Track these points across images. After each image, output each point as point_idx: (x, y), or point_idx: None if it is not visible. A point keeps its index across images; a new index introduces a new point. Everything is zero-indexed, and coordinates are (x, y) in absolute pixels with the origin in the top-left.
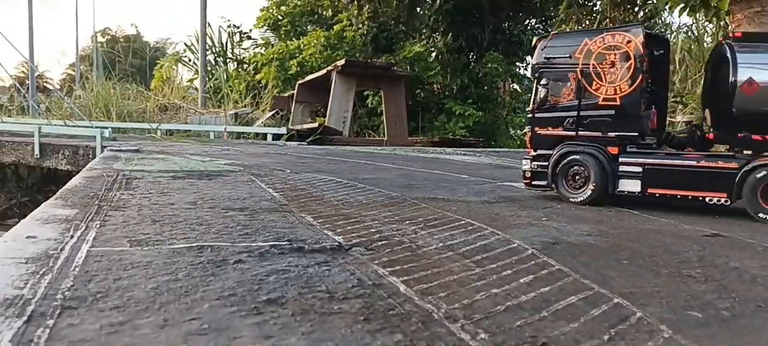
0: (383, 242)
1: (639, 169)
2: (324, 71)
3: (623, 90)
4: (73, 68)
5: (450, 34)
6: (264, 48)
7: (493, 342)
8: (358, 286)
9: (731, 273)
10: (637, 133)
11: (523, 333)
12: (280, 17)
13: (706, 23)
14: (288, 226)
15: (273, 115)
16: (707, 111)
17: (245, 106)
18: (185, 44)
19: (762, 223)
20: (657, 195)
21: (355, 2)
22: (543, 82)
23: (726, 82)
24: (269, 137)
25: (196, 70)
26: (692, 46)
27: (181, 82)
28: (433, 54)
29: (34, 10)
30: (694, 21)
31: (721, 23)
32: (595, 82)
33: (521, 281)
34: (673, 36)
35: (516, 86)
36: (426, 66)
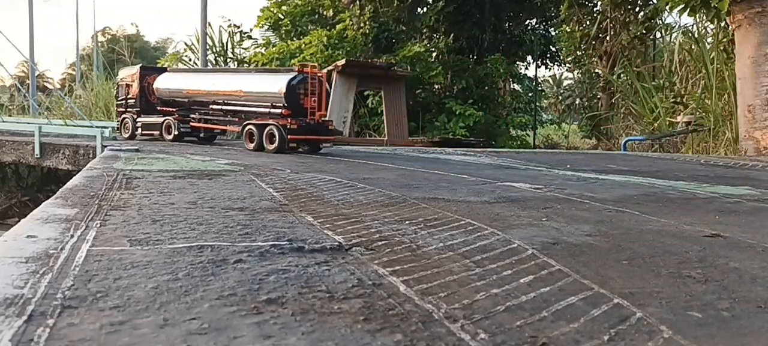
0: (383, 242)
1: (140, 123)
2: (324, 71)
3: (135, 93)
4: (73, 68)
5: (451, 34)
6: (265, 48)
7: (493, 342)
8: (358, 286)
9: (731, 274)
10: (139, 109)
11: (523, 333)
12: (281, 17)
13: (707, 23)
14: (288, 226)
15: None
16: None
17: None
18: (186, 44)
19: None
20: (147, 134)
21: (357, 2)
22: (118, 89)
23: (152, 87)
24: None
25: None
26: (693, 47)
27: None
28: (434, 54)
29: (35, 9)
30: (695, 21)
31: (721, 24)
32: (130, 90)
33: (521, 281)
34: (673, 36)
35: (517, 86)
36: (427, 66)
